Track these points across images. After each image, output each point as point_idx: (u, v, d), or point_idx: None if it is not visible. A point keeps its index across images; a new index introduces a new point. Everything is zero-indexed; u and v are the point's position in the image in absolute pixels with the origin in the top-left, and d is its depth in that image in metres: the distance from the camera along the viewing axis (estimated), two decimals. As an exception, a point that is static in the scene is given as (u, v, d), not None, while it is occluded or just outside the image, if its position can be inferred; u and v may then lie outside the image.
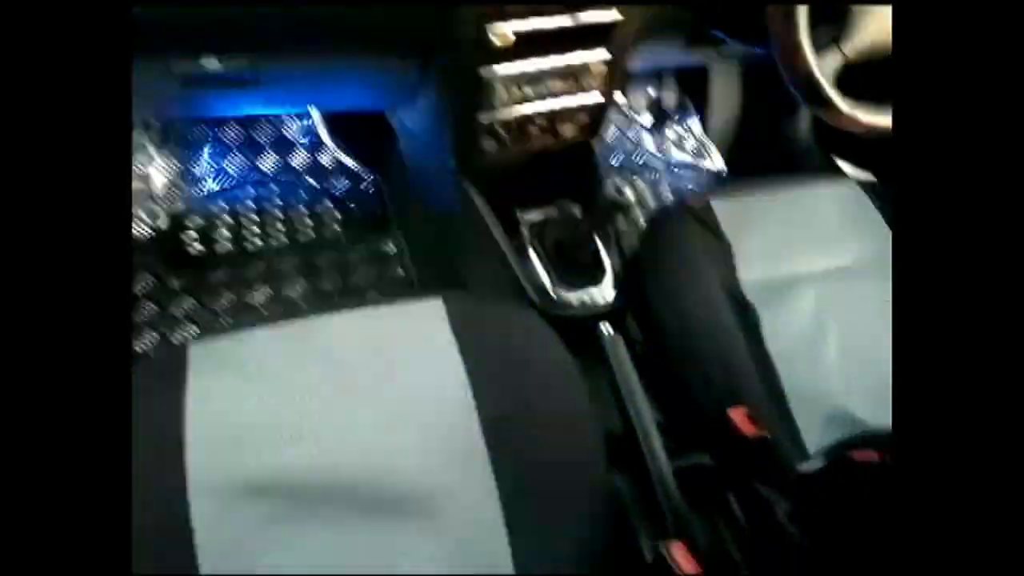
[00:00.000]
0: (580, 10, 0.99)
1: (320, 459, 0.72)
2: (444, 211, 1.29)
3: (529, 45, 1.00)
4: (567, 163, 1.24)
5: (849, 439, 0.70)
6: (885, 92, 1.05)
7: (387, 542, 0.70)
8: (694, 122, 1.84)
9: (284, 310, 0.83)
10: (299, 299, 1.43)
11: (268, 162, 1.57)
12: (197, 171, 1.53)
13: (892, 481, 0.58)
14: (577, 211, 1.19)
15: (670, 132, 1.84)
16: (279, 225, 1.52)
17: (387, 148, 1.47)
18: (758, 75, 1.73)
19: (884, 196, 1.12)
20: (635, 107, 1.83)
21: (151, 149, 1.51)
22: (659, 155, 1.82)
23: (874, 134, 1.07)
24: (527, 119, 1.10)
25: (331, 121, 1.59)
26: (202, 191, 1.52)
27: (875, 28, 1.04)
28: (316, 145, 1.60)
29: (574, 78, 1.08)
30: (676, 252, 1.04)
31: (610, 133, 1.80)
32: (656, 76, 1.83)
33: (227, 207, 1.52)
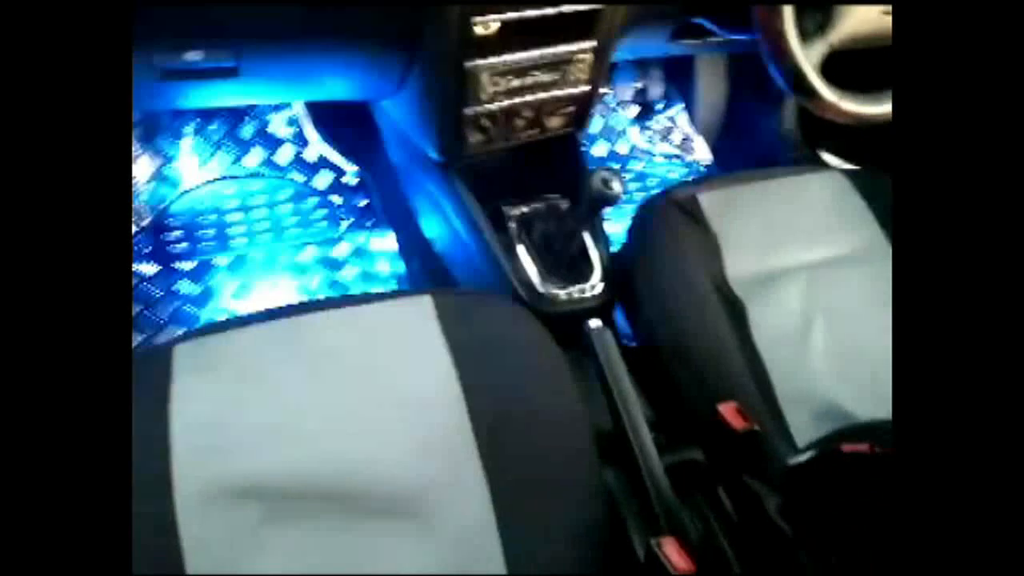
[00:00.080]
0: (564, 1, 0.99)
1: (308, 459, 0.72)
2: (430, 205, 1.28)
3: (514, 36, 1.00)
4: (553, 156, 1.23)
5: (838, 432, 0.70)
6: (870, 81, 1.05)
7: (378, 543, 0.69)
8: (680, 113, 1.84)
9: (270, 309, 0.82)
10: (285, 297, 1.42)
11: (252, 158, 1.56)
12: (181, 167, 1.51)
13: (883, 473, 0.58)
14: (563, 204, 1.19)
15: (656, 124, 1.83)
16: (264, 222, 1.50)
17: (371, 142, 1.46)
18: (744, 65, 1.73)
19: (869, 186, 1.12)
20: (620, 99, 1.82)
21: (134, 145, 1.49)
22: (645, 147, 1.82)
23: (860, 123, 1.07)
24: (512, 111, 1.09)
25: (315, 116, 1.58)
26: (186, 187, 1.50)
27: (859, 16, 1.04)
28: (300, 140, 1.59)
29: (559, 69, 1.08)
30: (663, 246, 1.04)
31: (596, 125, 1.79)
32: (641, 67, 1.83)
33: (211, 204, 1.50)
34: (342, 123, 1.56)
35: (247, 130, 1.56)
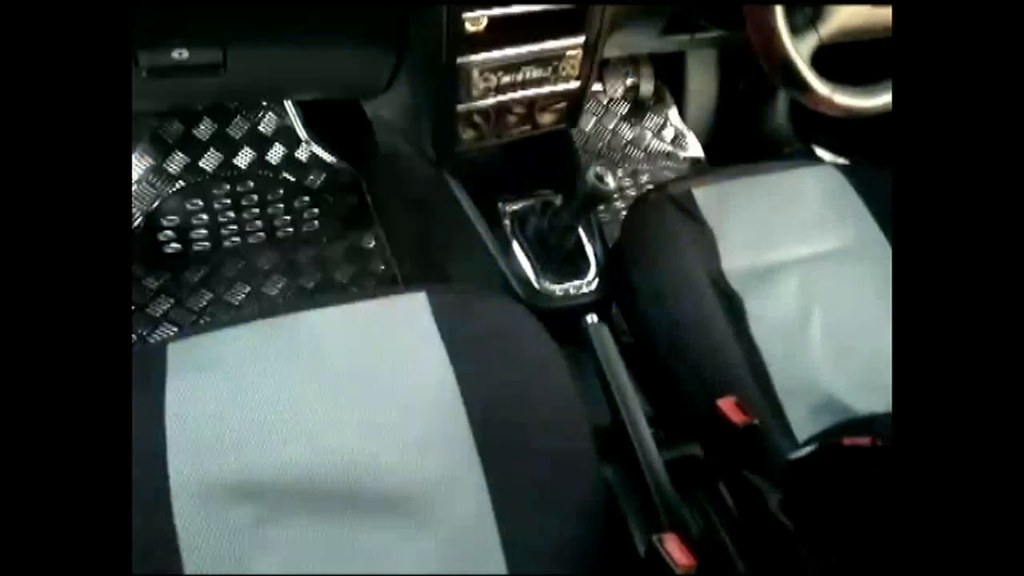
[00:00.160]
0: (552, -1, 0.99)
1: (305, 457, 0.71)
2: (424, 203, 1.27)
3: (504, 32, 0.99)
4: (546, 152, 1.23)
5: (838, 425, 0.70)
6: (863, 74, 1.05)
7: (376, 540, 0.69)
8: (671, 109, 1.83)
9: (263, 308, 0.81)
10: (278, 296, 1.42)
11: (244, 158, 1.55)
12: (171, 168, 1.50)
13: (884, 466, 0.58)
14: (558, 200, 1.18)
15: (648, 120, 1.83)
16: (256, 222, 1.50)
17: (364, 141, 1.45)
18: (735, 60, 1.73)
19: (863, 180, 1.12)
20: (612, 95, 1.82)
21: (126, 145, 1.48)
22: (637, 143, 1.81)
23: (853, 116, 1.07)
24: (504, 108, 1.09)
25: (307, 115, 1.57)
26: (177, 188, 1.49)
27: (849, 10, 1.04)
28: (292, 139, 1.58)
29: (550, 65, 1.07)
30: (659, 240, 1.03)
31: (588, 121, 1.79)
32: (633, 63, 1.83)
33: (203, 204, 1.49)
34: (334, 122, 1.55)
35: (238, 129, 1.55)
